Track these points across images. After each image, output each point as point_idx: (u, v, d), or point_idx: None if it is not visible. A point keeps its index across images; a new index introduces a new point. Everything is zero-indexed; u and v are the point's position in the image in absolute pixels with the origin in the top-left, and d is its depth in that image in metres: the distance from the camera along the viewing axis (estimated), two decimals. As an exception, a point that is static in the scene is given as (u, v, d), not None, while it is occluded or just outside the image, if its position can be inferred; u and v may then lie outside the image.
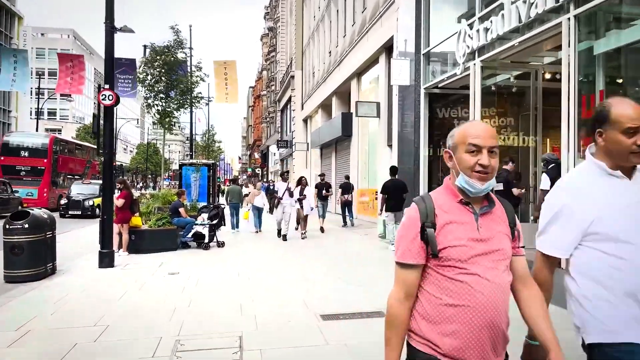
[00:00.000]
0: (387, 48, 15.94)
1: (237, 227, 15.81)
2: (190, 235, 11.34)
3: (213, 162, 23.51)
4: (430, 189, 13.32)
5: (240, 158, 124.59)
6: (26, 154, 26.04)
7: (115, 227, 10.31)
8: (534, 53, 10.07)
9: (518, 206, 8.42)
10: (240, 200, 16.50)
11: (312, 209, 13.48)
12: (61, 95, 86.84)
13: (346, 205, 16.45)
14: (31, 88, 53.01)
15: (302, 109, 32.93)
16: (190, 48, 17.24)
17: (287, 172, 12.35)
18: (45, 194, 25.21)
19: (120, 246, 10.35)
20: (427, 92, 12.95)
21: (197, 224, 11.56)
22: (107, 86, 8.90)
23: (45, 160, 25.88)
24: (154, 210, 12.10)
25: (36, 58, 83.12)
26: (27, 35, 58.35)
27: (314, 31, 28.96)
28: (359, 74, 19.52)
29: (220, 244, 11.63)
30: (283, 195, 12.96)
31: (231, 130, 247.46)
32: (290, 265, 8.91)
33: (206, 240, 11.29)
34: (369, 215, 17.47)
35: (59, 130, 75.72)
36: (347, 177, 17.59)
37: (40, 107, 46.50)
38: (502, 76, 12.66)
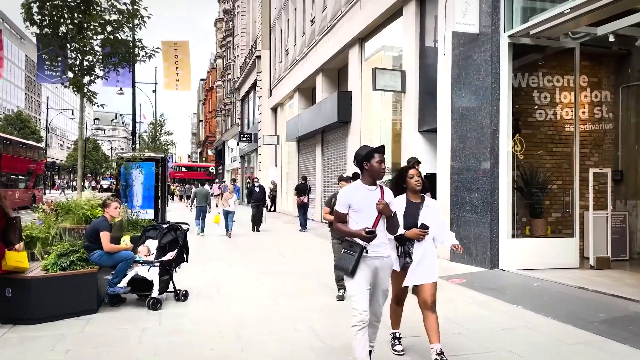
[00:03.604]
0: (419, -7, 11.19)
1: (203, 231, 14.51)
2: (124, 282, 6.12)
3: (162, 156, 18.10)
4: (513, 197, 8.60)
5: (189, 156, 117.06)
6: None
7: (-30, 276, 5.10)
8: None
9: None
10: (208, 202, 15.23)
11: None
12: (-15, 82, 77.09)
13: (302, 208, 15.70)
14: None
15: (271, 95, 27.75)
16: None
17: (380, 149, 3.82)
18: None
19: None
20: (513, 42, 8.25)
21: (138, 261, 6.36)
22: None
23: None
24: (59, 236, 6.81)
25: (-45, 41, 73.29)
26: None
27: (287, -1, 23.88)
28: (362, 39, 14.67)
29: (181, 297, 6.48)
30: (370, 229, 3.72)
31: (179, 126, 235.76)
32: None
33: (154, 293, 6.08)
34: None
35: (-20, 124, 66.86)
36: (304, 178, 16.97)
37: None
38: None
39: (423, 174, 7.92)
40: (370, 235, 3.60)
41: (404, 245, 4.08)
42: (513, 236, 8.28)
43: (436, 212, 4.21)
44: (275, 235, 14.53)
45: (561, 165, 9.20)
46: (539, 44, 8.41)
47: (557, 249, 8.30)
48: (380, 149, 3.79)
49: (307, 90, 21.68)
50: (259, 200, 15.00)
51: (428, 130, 10.91)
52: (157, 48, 9.63)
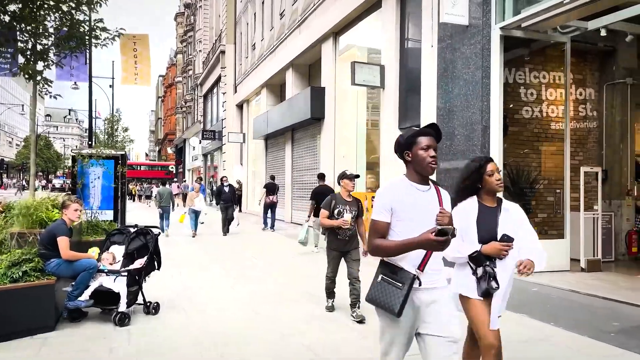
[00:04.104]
0: (401, -17, 10.75)
1: (166, 230, 14.14)
2: (87, 295, 5.36)
3: (122, 153, 17.09)
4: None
5: (147, 155, 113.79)
6: None
7: None
8: None
9: None
10: (172, 202, 15.56)
11: None
12: None
13: (270, 207, 15.52)
14: None
15: (236, 91, 26.87)
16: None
17: (426, 131, 2.59)
18: None
19: None
20: (504, 35, 7.90)
21: (102, 271, 5.60)
22: None
23: None
24: (8, 243, 5.96)
25: None
26: None
27: (254, -8, 23.10)
28: (336, 32, 14.14)
29: (152, 310, 5.76)
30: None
31: (137, 124, 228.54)
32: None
33: (122, 307, 5.34)
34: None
35: None
36: (273, 177, 16.75)
37: None
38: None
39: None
40: (444, 237, 2.22)
41: (485, 266, 2.97)
42: (504, 238, 7.92)
43: (519, 217, 3.12)
44: (245, 237, 13.83)
45: (548, 164, 8.95)
46: (531, 37, 8.08)
47: (548, 251, 7.95)
48: (427, 131, 2.56)
49: (275, 87, 21.02)
50: (229, 201, 14.14)
51: (410, 127, 10.48)
52: (122, 28, 8.54)
